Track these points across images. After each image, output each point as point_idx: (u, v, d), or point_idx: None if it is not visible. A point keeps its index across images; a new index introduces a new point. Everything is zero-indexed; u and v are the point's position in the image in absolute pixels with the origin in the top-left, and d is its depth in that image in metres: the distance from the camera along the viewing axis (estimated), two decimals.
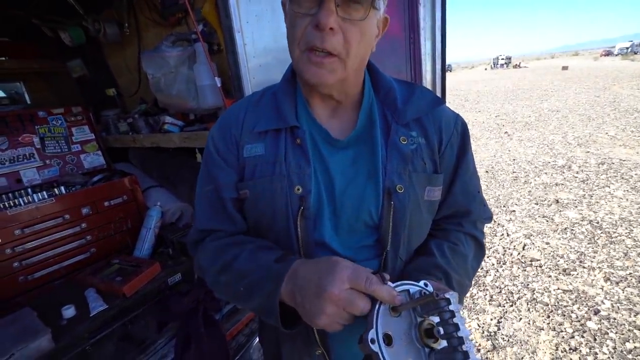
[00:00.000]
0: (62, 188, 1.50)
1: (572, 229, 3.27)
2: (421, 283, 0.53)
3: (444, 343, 0.47)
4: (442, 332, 0.47)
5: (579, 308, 2.24)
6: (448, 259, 0.69)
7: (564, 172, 4.83)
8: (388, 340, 0.48)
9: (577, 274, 2.60)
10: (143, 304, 1.36)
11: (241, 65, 1.25)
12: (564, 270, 2.67)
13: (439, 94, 1.37)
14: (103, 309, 1.27)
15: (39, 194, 1.43)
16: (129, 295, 1.34)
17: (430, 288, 0.53)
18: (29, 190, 1.52)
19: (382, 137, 0.67)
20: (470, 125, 9.25)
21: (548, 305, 2.31)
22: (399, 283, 0.53)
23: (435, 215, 0.74)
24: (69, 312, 1.25)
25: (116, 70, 2.07)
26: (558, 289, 2.46)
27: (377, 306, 0.50)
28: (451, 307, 0.47)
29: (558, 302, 2.32)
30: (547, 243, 3.10)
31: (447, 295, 0.48)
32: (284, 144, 0.67)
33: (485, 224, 0.81)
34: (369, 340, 0.47)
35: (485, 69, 60.50)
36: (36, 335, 1.08)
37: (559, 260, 2.81)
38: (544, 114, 9.45)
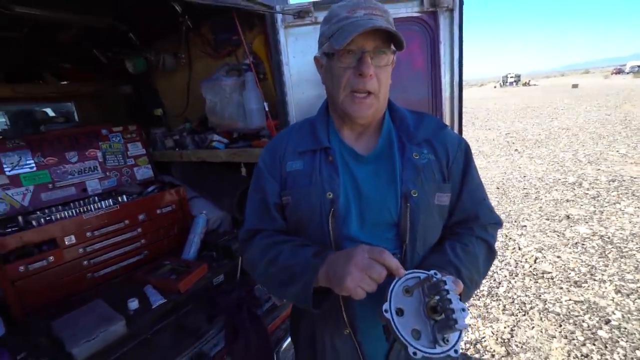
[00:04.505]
0: (124, 196, 1.72)
1: (582, 244, 3.37)
2: (431, 272, 0.66)
3: (443, 316, 0.60)
4: (441, 307, 0.61)
5: (590, 318, 2.34)
6: (460, 257, 0.81)
7: (574, 189, 4.92)
8: (400, 312, 0.63)
9: (588, 286, 2.69)
10: (194, 300, 1.55)
11: (287, 93, 1.47)
12: (575, 282, 2.77)
13: (456, 117, 1.56)
14: (162, 302, 1.45)
15: (106, 200, 1.64)
16: (183, 291, 1.52)
17: (439, 276, 0.65)
18: (96, 197, 1.74)
19: (399, 154, 0.84)
20: (480, 143, 9.35)
21: (560, 315, 2.41)
22: (412, 271, 0.67)
23: (449, 221, 0.89)
24: (133, 304, 1.43)
25: (163, 93, 2.32)
26: (569, 300, 2.56)
27: (392, 286, 0.64)
28: (446, 287, 0.61)
29: (569, 312, 2.42)
30: (559, 257, 3.19)
31: (443, 278, 0.63)
32: (318, 161, 0.85)
33: (497, 229, 0.93)
34: (383, 310, 0.61)
35: (495, 87, 60.74)
36: (114, 321, 1.27)
37: (570, 273, 2.91)
38: (554, 132, 9.55)
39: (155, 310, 1.42)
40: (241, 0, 1.30)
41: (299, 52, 1.46)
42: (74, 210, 1.58)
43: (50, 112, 2.85)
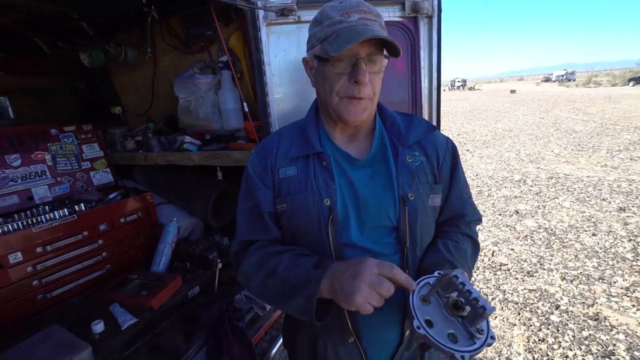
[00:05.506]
0: (82, 205, 1.53)
1: (531, 236, 3.70)
2: (435, 274, 0.67)
3: (468, 308, 0.60)
4: (463, 301, 0.61)
5: (542, 304, 2.57)
6: (453, 254, 0.84)
7: (520, 186, 5.40)
8: (429, 324, 0.61)
9: (539, 275, 2.96)
10: (168, 316, 1.42)
11: (268, 93, 1.41)
12: (528, 272, 3.03)
13: (435, 118, 1.62)
14: (133, 322, 1.31)
15: (61, 210, 1.45)
16: (157, 307, 1.39)
17: (444, 272, 0.66)
18: (46, 207, 1.52)
19: (393, 157, 0.84)
20: None
21: (517, 303, 2.62)
22: (420, 279, 0.68)
23: (438, 219, 0.90)
24: (98, 327, 1.27)
25: (123, 90, 2.11)
26: (524, 289, 2.79)
27: (411, 301, 0.63)
28: (460, 280, 0.62)
29: (525, 301, 2.64)
30: (512, 249, 3.47)
31: (453, 273, 0.63)
32: (312, 166, 0.82)
33: (477, 225, 0.97)
34: (416, 327, 0.59)
35: (444, 90, 64.76)
36: (78, 350, 1.11)
37: (523, 264, 3.17)
38: (499, 133, 10.40)
39: (125, 331, 1.28)
40: None
41: (280, 51, 1.41)
42: (19, 223, 1.37)
43: None
